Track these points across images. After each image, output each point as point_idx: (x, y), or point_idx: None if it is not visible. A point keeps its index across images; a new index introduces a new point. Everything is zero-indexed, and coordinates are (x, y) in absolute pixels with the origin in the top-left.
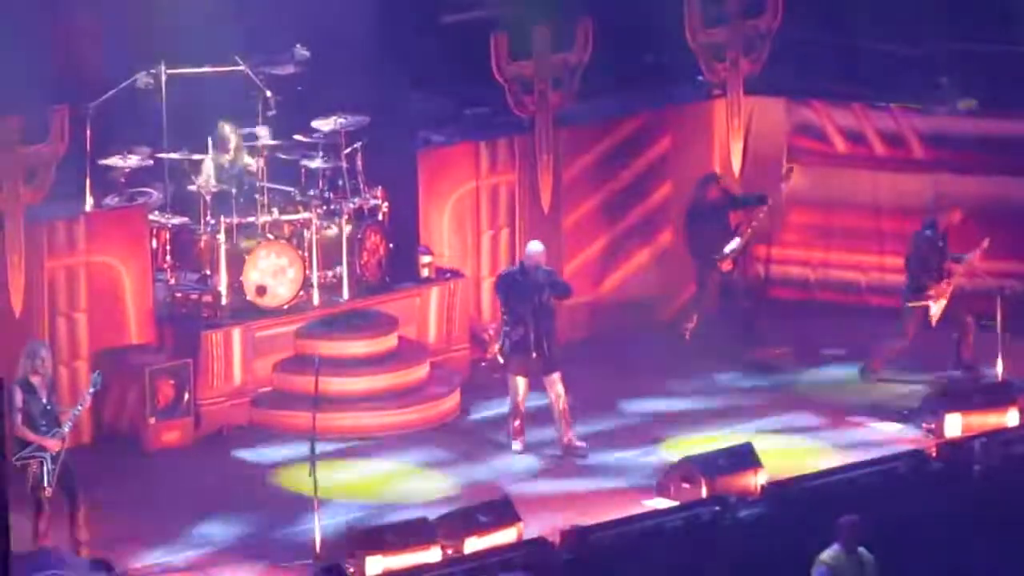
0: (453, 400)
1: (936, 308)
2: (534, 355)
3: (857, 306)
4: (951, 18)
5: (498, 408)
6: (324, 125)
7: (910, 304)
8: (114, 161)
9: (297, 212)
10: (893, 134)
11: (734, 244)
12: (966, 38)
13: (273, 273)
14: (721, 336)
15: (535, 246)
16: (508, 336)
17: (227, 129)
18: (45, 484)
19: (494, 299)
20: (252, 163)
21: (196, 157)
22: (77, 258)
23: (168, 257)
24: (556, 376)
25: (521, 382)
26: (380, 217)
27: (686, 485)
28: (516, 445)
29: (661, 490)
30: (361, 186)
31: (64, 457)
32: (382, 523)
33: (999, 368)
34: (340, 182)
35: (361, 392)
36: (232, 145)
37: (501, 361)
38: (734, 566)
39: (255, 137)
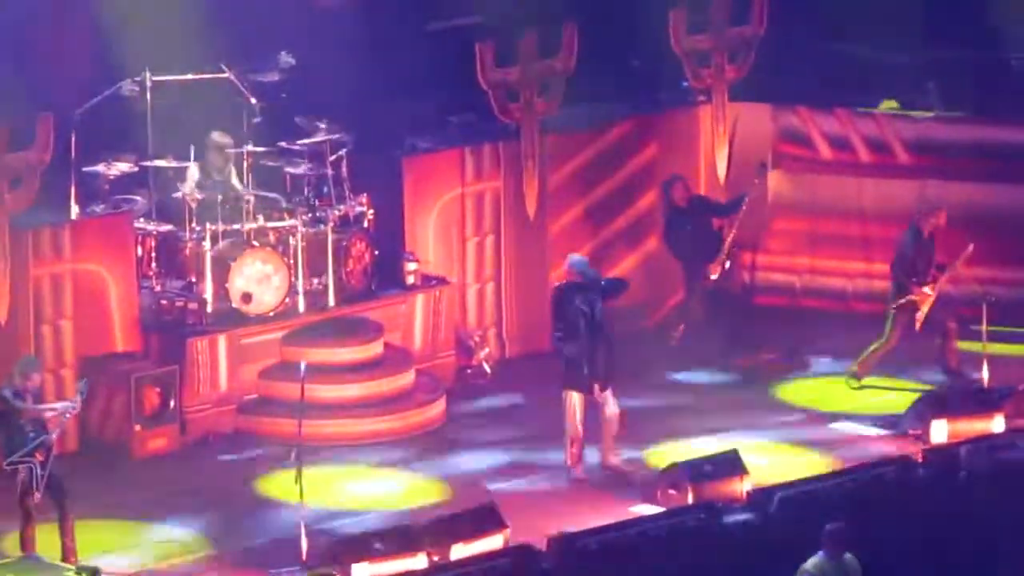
0: (439, 407)
1: (920, 312)
2: (586, 371)
3: (843, 312)
4: (936, 25)
5: (484, 415)
6: (303, 127)
7: (894, 307)
8: (99, 168)
9: (282, 219)
10: (878, 140)
11: (721, 249)
12: (951, 45)
13: (258, 280)
14: (707, 343)
15: (575, 257)
16: (561, 353)
17: (218, 138)
18: (33, 490)
19: (480, 305)
20: (238, 171)
21: (182, 164)
22: (63, 265)
23: (153, 264)
24: (608, 392)
25: (577, 399)
26: (365, 224)
27: (672, 491)
28: (576, 473)
29: (647, 496)
30: (346, 193)
31: (52, 464)
32: (368, 530)
33: (984, 374)
34: (325, 189)
35: (347, 399)
36: (223, 154)
37: (487, 369)
38: (720, 573)
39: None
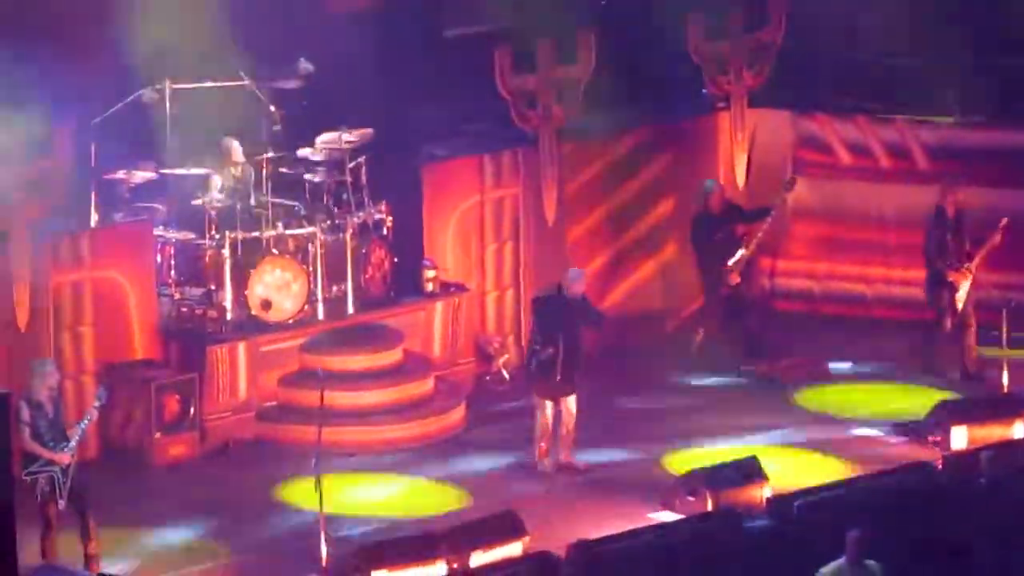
0: (458, 413)
1: (960, 292)
2: (558, 377)
3: (862, 318)
4: (956, 31)
5: (503, 422)
6: (328, 141)
7: (932, 293)
8: (119, 176)
9: (302, 227)
10: (898, 146)
11: (739, 255)
12: (971, 50)
13: (278, 287)
14: (726, 349)
15: (576, 273)
16: (536, 355)
17: (234, 145)
18: (57, 499)
19: (499, 312)
20: (256, 178)
21: (201, 172)
22: (82, 273)
23: (173, 272)
24: (572, 399)
25: (548, 404)
26: (384, 231)
27: (691, 498)
28: (544, 465)
29: (667, 503)
30: (365, 200)
31: (75, 472)
32: (387, 537)
33: (1005, 380)
34: (345, 196)
35: (366, 406)
36: (239, 161)
37: (506, 376)
38: None
39: (262, 152)
